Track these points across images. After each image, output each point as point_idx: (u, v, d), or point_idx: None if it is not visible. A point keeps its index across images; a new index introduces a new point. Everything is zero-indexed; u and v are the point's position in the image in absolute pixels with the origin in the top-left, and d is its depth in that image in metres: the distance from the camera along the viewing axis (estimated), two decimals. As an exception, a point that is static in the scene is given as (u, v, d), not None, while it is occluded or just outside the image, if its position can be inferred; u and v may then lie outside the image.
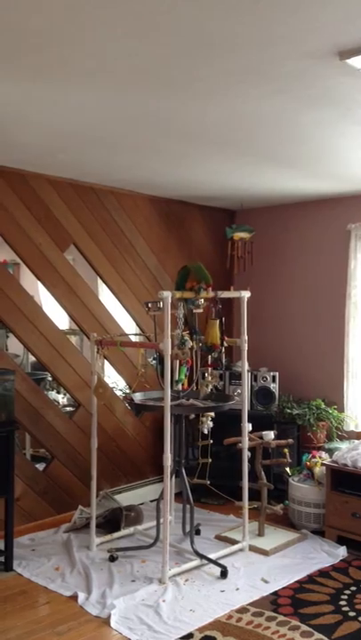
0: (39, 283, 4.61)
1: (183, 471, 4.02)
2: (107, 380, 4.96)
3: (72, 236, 4.66)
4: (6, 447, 3.75)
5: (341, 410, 5.06)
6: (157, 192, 5.12)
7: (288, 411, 5.05)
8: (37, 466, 4.61)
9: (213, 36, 2.20)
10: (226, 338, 4.07)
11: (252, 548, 4.12)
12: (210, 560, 3.83)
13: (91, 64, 2.46)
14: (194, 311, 3.93)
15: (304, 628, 3.15)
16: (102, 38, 2.23)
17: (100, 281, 5.02)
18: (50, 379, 5.14)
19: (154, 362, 4.82)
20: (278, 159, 3.97)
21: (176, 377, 4.09)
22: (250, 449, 4.21)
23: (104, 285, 5.02)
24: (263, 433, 4.42)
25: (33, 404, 4.41)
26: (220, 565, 3.77)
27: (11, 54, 2.37)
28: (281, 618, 3.25)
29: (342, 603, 3.43)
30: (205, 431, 4.14)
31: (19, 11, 2.02)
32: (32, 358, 4.94)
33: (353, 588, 3.60)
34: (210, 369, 4.17)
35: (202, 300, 3.92)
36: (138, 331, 5.16)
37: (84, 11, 2.02)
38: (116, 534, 4.26)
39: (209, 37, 2.22)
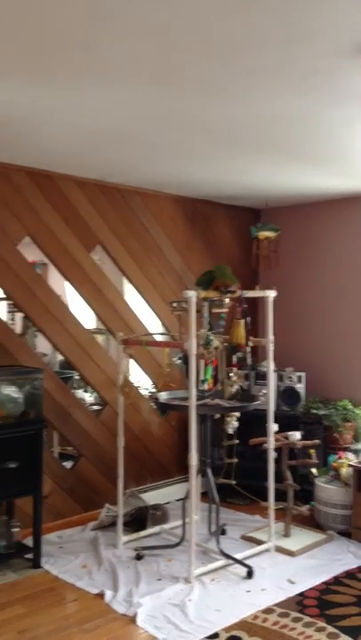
0: (66, 283, 4.66)
1: (209, 471, 4.03)
2: (132, 379, 4.99)
3: (98, 236, 4.70)
4: (35, 445, 3.80)
5: (368, 410, 5.01)
6: (182, 192, 5.13)
7: (314, 411, 5.02)
8: (65, 464, 4.67)
9: (240, 35, 2.20)
10: (251, 337, 4.06)
11: (279, 549, 4.11)
12: (236, 560, 3.84)
13: (118, 64, 2.48)
14: (213, 310, 3.93)
15: (330, 629, 3.14)
16: (130, 39, 2.24)
17: (125, 280, 5.05)
18: (77, 377, 5.19)
19: (179, 361, 4.83)
20: (305, 157, 3.95)
21: (201, 377, 4.09)
22: (276, 449, 4.20)
23: (129, 285, 5.05)
24: (289, 433, 4.40)
25: (61, 402, 4.47)
26: (246, 565, 3.77)
27: (40, 56, 2.40)
28: (307, 619, 3.24)
29: (369, 605, 3.41)
30: (230, 431, 4.14)
31: (48, 13, 2.04)
32: (60, 357, 5.00)
33: (380, 591, 3.58)
34: (235, 369, 4.17)
35: (227, 300, 3.92)
36: (163, 330, 5.18)
37: (113, 13, 2.04)
38: (142, 533, 4.29)
39: (236, 37, 2.22)
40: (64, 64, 2.48)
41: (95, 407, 5.12)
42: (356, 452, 4.62)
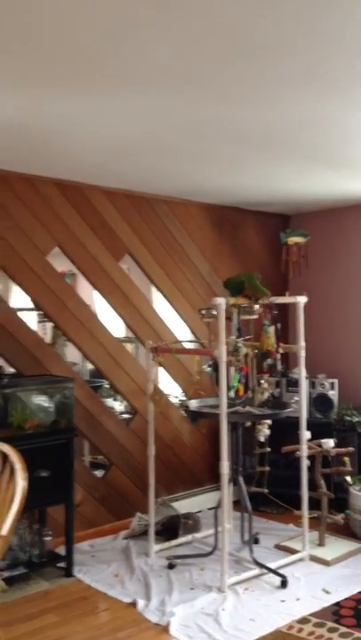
0: (95, 292, 4.69)
1: (241, 479, 3.99)
2: (162, 387, 4.98)
3: (126, 245, 4.72)
4: (66, 454, 3.81)
5: None
6: (210, 199, 5.13)
7: (348, 418, 4.93)
8: (96, 472, 4.68)
9: (267, 41, 2.19)
10: (281, 344, 4.02)
11: (313, 558, 4.04)
12: (269, 569, 3.78)
13: (145, 74, 2.49)
14: (243, 317, 3.91)
15: (368, 641, 3.06)
16: (157, 48, 2.25)
17: (153, 289, 5.06)
18: (107, 386, 5.21)
19: (209, 369, 4.81)
20: (333, 161, 3.91)
21: (231, 384, 4.06)
22: (309, 457, 4.14)
23: (158, 293, 5.06)
24: (322, 441, 4.33)
25: (91, 411, 4.48)
26: (279, 575, 3.71)
27: (67, 67, 2.43)
28: (343, 629, 3.17)
29: None
30: (262, 439, 4.09)
31: (77, 24, 2.07)
32: (90, 366, 5.02)
33: None
34: (266, 376, 4.13)
35: (256, 307, 3.90)
36: (192, 338, 5.16)
37: (140, 24, 2.05)
38: (174, 542, 4.27)
39: (263, 43, 2.21)
40: (91, 74, 2.50)
41: (125, 415, 5.12)
42: (391, 459, 4.52)
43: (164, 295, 5.02)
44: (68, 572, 3.80)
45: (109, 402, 5.34)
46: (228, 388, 3.99)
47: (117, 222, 4.66)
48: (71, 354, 4.90)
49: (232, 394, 3.97)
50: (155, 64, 2.40)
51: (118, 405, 5.44)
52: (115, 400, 5.46)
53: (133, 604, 3.44)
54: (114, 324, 4.86)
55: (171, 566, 3.90)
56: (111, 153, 3.67)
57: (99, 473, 4.69)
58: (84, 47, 2.25)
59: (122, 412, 5.30)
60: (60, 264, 4.51)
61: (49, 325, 4.85)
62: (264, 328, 3.96)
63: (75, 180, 4.36)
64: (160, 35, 2.15)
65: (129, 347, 5.13)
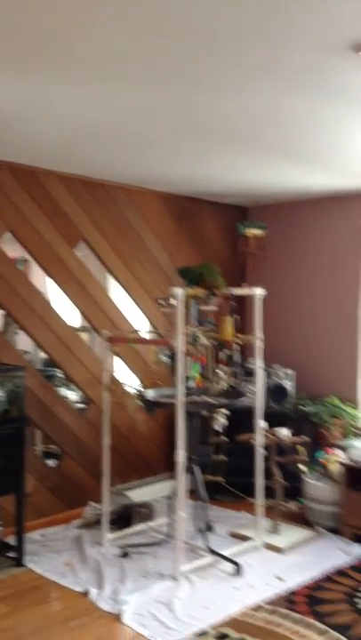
0: (49, 279, 4.60)
1: (196, 468, 3.98)
2: (118, 376, 4.93)
3: (82, 232, 4.65)
4: (17, 443, 3.73)
5: (356, 406, 4.99)
6: (169, 188, 5.09)
7: (303, 408, 4.99)
8: (49, 462, 4.60)
9: (228, 30, 2.17)
10: (239, 335, 4.03)
11: (267, 546, 4.06)
12: (223, 557, 3.78)
13: (104, 60, 2.44)
14: (201, 308, 3.90)
15: (319, 626, 3.08)
16: (118, 33, 2.20)
17: (110, 277, 5.00)
18: (61, 375, 5.12)
19: (166, 359, 4.78)
20: (292, 155, 3.93)
21: (188, 374, 4.05)
22: (264, 446, 4.16)
23: (115, 282, 5.00)
24: (277, 430, 4.37)
25: (44, 400, 4.40)
26: (233, 562, 3.72)
27: (23, 51, 2.36)
28: (296, 616, 3.19)
29: (358, 601, 3.37)
30: (218, 428, 4.09)
31: (34, 5, 2.00)
32: (42, 355, 4.93)
33: (370, 586, 3.54)
34: (223, 366, 4.13)
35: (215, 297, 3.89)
36: (149, 327, 5.13)
37: (101, 6, 1.99)
38: (127, 530, 4.23)
39: (224, 32, 2.19)
40: (49, 58, 2.44)
41: (80, 405, 5.05)
42: (344, 448, 4.59)
43: (121, 284, 4.96)
44: (18, 562, 3.72)
45: (63, 391, 5.25)
46: (188, 378, 3.98)
47: (73, 209, 4.57)
48: (23, 342, 4.79)
49: (192, 383, 3.96)
50: (115, 50, 2.35)
51: (72, 395, 5.36)
52: (69, 389, 5.37)
53: (86, 594, 3.39)
54: (69, 313, 4.78)
55: (124, 555, 3.86)
56: (69, 139, 3.60)
57: (52, 462, 4.61)
58: (43, 31, 2.19)
59: (76, 402, 5.21)
60: (12, 249, 4.40)
61: (0, 313, 4.72)
62: (222, 319, 3.96)
63: (29, 164, 4.26)
64: (121, 21, 2.11)
65: (84, 336, 5.05)
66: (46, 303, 4.51)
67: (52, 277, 4.53)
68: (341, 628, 3.06)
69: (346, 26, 2.12)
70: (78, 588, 3.45)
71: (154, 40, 2.26)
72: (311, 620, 3.13)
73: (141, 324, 5.13)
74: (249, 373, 5.08)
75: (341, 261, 5.21)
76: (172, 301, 3.71)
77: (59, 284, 4.56)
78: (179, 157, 4.04)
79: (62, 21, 2.11)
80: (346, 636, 2.98)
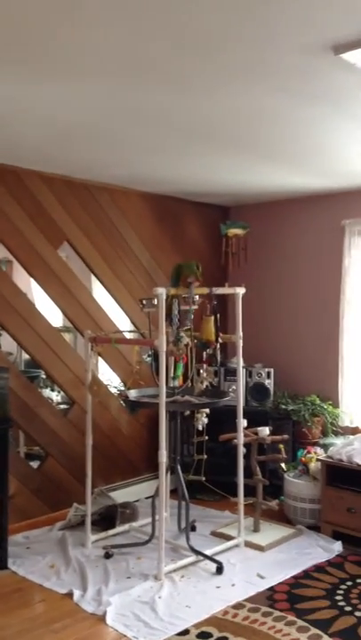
0: (32, 280, 4.59)
1: (178, 468, 4.02)
2: (101, 377, 4.94)
3: (65, 233, 4.64)
4: (0, 445, 3.72)
5: (336, 405, 5.06)
6: (151, 188, 5.10)
7: (283, 407, 5.05)
8: (32, 464, 4.60)
9: (210, 32, 2.19)
10: (221, 334, 4.06)
11: (248, 544, 4.11)
12: (205, 556, 3.83)
13: (87, 60, 2.45)
14: (183, 307, 3.92)
15: (300, 623, 3.14)
16: (98, 32, 2.21)
17: (93, 278, 5.00)
18: (44, 376, 5.12)
19: (149, 359, 4.81)
20: (274, 155, 3.96)
21: (171, 374, 4.08)
22: (245, 445, 4.21)
23: (98, 282, 5.00)
24: (258, 429, 4.42)
25: (27, 401, 4.39)
26: (215, 561, 3.76)
27: (5, 47, 2.35)
28: (277, 613, 3.24)
29: (338, 598, 3.43)
30: (200, 427, 4.13)
31: (16, 5, 1.99)
32: (26, 356, 4.92)
33: (349, 583, 3.60)
34: (205, 365, 4.17)
35: (196, 297, 3.91)
36: (132, 327, 5.14)
37: (81, 5, 2.00)
38: (111, 531, 4.25)
39: (205, 33, 2.20)
40: (33, 58, 2.43)
41: (63, 406, 5.05)
42: (324, 446, 4.66)
43: (104, 284, 4.96)
44: (1, 565, 3.73)
45: (46, 392, 5.25)
46: (172, 378, 4.01)
47: (56, 209, 4.56)
48: (6, 343, 4.78)
49: (176, 383, 3.99)
50: (94, 49, 2.36)
51: (55, 396, 5.36)
52: (52, 390, 5.38)
53: (69, 595, 3.41)
54: (52, 314, 4.77)
55: (107, 556, 3.89)
56: (52, 138, 3.59)
57: (35, 464, 4.61)
58: (19, 31, 2.18)
59: (59, 403, 5.22)
60: (-4, 250, 4.39)
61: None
62: (205, 319, 3.99)
63: (12, 164, 4.24)
64: (104, 21, 2.11)
65: (67, 336, 5.05)
66: (30, 304, 4.51)
67: (34, 278, 4.52)
68: (322, 625, 3.12)
69: (325, 28, 2.15)
70: (62, 590, 3.46)
71: (133, 40, 2.27)
72: (292, 617, 3.19)
73: (124, 325, 5.15)
74: (231, 372, 5.14)
75: (323, 260, 5.27)
76: (154, 301, 3.73)
77: (42, 285, 4.55)
78: (159, 157, 4.05)
79: (38, 20, 2.11)
80: (326, 633, 3.05)
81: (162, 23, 2.13)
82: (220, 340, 4.03)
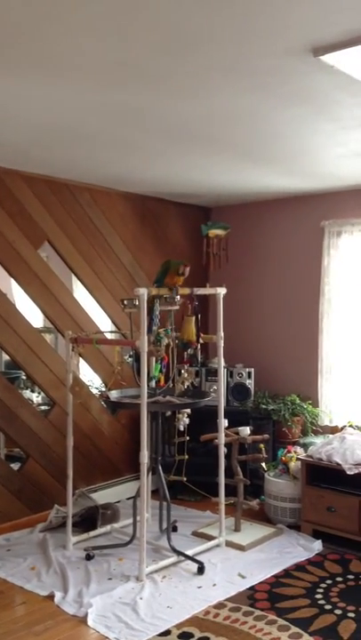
0: (12, 280, 4.56)
1: (160, 468, 4.02)
2: (82, 378, 4.92)
3: (46, 232, 4.62)
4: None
5: (316, 405, 5.10)
6: (133, 189, 5.10)
7: (263, 406, 5.08)
8: (12, 465, 4.56)
9: (189, 32, 2.19)
10: (202, 334, 4.07)
11: (229, 544, 4.13)
12: (187, 556, 3.84)
13: (67, 59, 2.44)
14: (164, 308, 3.92)
15: (281, 622, 3.17)
16: (79, 32, 2.20)
17: (74, 278, 4.98)
18: (24, 377, 5.09)
19: (130, 359, 4.80)
20: (254, 156, 3.98)
21: (152, 374, 4.07)
22: (226, 445, 4.22)
23: (79, 283, 4.98)
24: (239, 429, 4.44)
25: (7, 402, 4.36)
26: (196, 562, 3.77)
27: (-18, 47, 2.34)
28: (258, 612, 3.26)
29: (318, 596, 3.46)
30: (182, 428, 4.13)
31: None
32: (6, 357, 4.88)
33: (329, 582, 3.64)
34: (186, 366, 4.17)
35: (178, 297, 3.92)
36: (113, 328, 5.13)
37: (62, 5, 1.99)
38: (92, 533, 4.24)
39: (185, 34, 2.21)
40: (14, 57, 2.42)
41: (43, 407, 5.02)
42: (304, 445, 4.69)
43: (85, 285, 4.95)
44: (-18, 568, 3.70)
45: (27, 393, 5.22)
46: (150, 379, 4.01)
47: (37, 209, 4.54)
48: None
49: (153, 384, 3.98)
50: (75, 49, 2.35)
51: (36, 397, 5.33)
52: (32, 392, 5.34)
53: (51, 597, 3.40)
54: (32, 314, 4.74)
55: (88, 557, 3.88)
56: (33, 138, 3.57)
57: (15, 466, 4.58)
58: (7, 28, 2.17)
59: (40, 404, 5.19)
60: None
61: None
62: (185, 319, 4.00)
63: (-8, 163, 4.21)
64: (87, 20, 2.11)
65: (48, 337, 5.02)
66: (9, 304, 4.47)
67: (14, 278, 4.49)
68: (302, 624, 3.15)
69: (304, 29, 2.17)
70: (43, 592, 3.45)
71: (113, 41, 2.27)
72: (273, 616, 3.21)
73: (106, 325, 5.13)
74: (212, 373, 5.15)
75: (303, 261, 5.31)
76: (136, 302, 3.72)
77: (22, 285, 4.52)
78: (142, 158, 4.05)
79: (15, 18, 2.09)
80: (306, 632, 3.07)
81: (141, 24, 2.13)
82: (200, 341, 4.04)
